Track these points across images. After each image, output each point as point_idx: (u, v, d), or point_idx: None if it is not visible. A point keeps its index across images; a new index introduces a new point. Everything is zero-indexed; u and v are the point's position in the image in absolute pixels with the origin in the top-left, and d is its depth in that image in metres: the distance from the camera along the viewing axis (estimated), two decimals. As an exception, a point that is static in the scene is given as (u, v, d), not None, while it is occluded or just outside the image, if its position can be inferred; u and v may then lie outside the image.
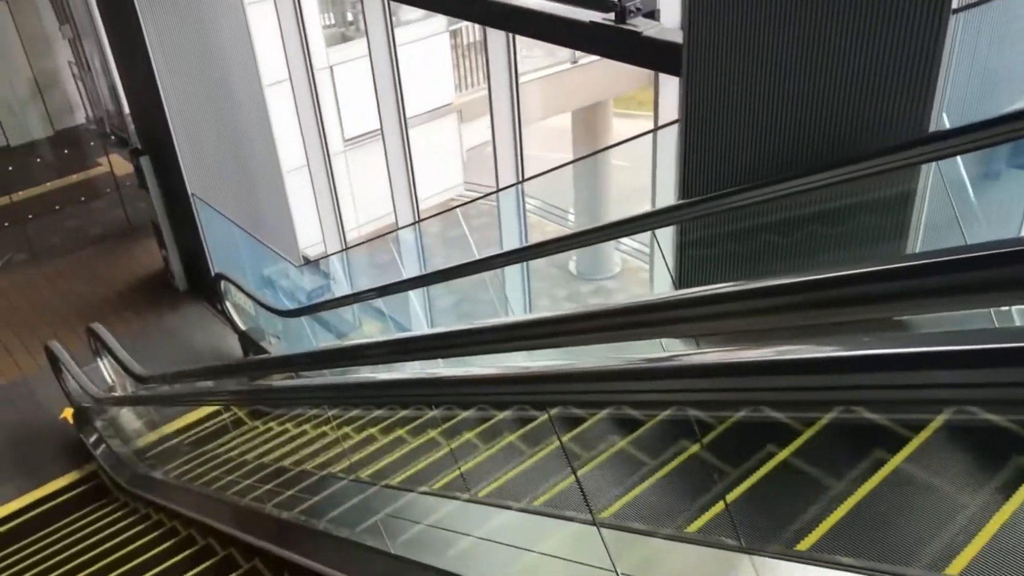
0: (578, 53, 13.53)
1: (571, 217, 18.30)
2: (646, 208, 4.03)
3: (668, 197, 4.31)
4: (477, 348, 2.32)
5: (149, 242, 11.05)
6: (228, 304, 8.78)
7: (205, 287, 9.87)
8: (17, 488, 7.30)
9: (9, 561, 6.17)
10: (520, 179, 7.11)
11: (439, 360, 2.80)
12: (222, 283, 8.61)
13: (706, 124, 3.53)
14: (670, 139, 3.95)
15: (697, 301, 1.49)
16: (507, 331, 2.21)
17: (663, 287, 5.25)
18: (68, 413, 8.18)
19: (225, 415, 7.49)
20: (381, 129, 8.14)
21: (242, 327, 8.70)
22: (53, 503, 7.07)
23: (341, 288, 9.57)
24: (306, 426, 6.39)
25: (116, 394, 7.23)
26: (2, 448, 7.86)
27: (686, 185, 3.78)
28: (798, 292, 1.27)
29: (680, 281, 4.01)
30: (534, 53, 18.04)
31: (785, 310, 1.31)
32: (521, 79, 8.19)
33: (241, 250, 9.05)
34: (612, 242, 14.99)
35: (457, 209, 8.54)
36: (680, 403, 1.93)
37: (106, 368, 7.98)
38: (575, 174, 15.26)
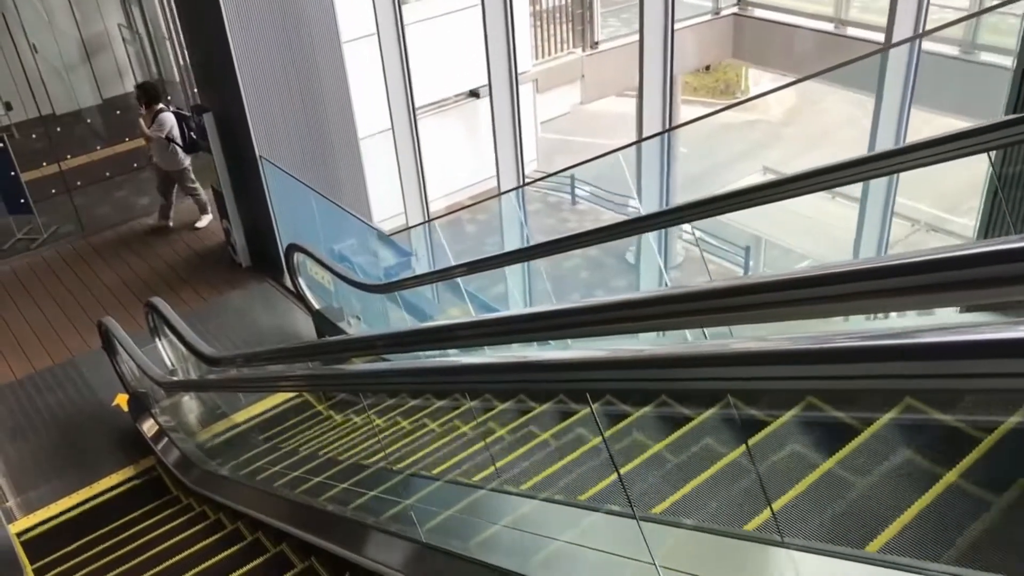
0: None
1: (633, 204, 17.25)
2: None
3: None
4: (607, 327, 1.90)
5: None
6: (301, 280, 7.79)
7: (270, 262, 8.89)
8: (67, 484, 6.35)
9: (62, 568, 5.21)
10: (668, 127, 6.03)
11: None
12: (295, 256, 7.62)
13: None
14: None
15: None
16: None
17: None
18: (121, 400, 7.23)
19: (308, 409, 6.50)
20: (490, 88, 7.11)
21: (317, 306, 7.70)
22: (108, 502, 6.11)
23: (422, 265, 8.56)
24: (394, 417, 5.42)
25: (181, 378, 6.24)
26: (50, 438, 6.92)
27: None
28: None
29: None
30: (608, 22, 16.95)
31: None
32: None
33: (314, 220, 8.05)
34: (674, 231, 14.10)
35: (577, 167, 7.43)
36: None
37: (165, 349, 7.01)
38: (642, 158, 14.26)
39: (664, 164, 6.17)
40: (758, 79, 19.60)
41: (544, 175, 6.80)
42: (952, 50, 9.43)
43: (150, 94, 9.32)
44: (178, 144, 9.13)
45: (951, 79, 8.83)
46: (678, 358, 1.42)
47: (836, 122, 14.95)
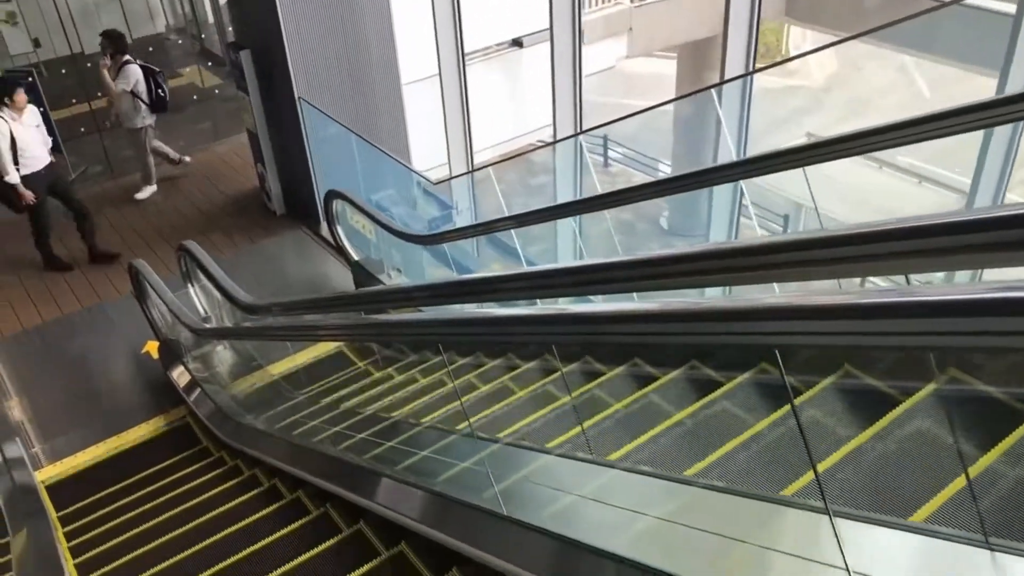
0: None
1: (664, 168, 16.76)
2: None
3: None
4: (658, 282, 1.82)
5: (239, 159, 9.76)
6: (340, 230, 7.43)
7: (306, 210, 8.54)
8: (94, 432, 6.09)
9: (91, 517, 4.95)
10: (754, 69, 5.57)
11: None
12: (335, 203, 7.26)
13: None
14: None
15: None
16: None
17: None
18: (152, 347, 6.95)
19: (347, 364, 6.18)
20: (551, 33, 6.64)
21: (356, 257, 7.36)
22: (137, 452, 5.85)
23: (464, 219, 8.19)
24: (440, 377, 5.09)
25: (216, 326, 5.93)
26: (77, 384, 6.66)
27: None
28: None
29: None
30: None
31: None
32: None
33: (354, 167, 7.68)
34: (706, 197, 13.69)
35: (621, 121, 6.98)
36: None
37: (198, 295, 6.70)
38: (674, 120, 13.75)
39: (745, 108, 5.72)
40: (799, 44, 18.92)
41: (601, 124, 6.38)
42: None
43: (117, 44, 8.61)
44: (143, 101, 8.53)
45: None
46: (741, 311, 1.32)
47: (879, 88, 14.37)
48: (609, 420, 3.59)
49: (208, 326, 5.79)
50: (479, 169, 7.93)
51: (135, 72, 8.51)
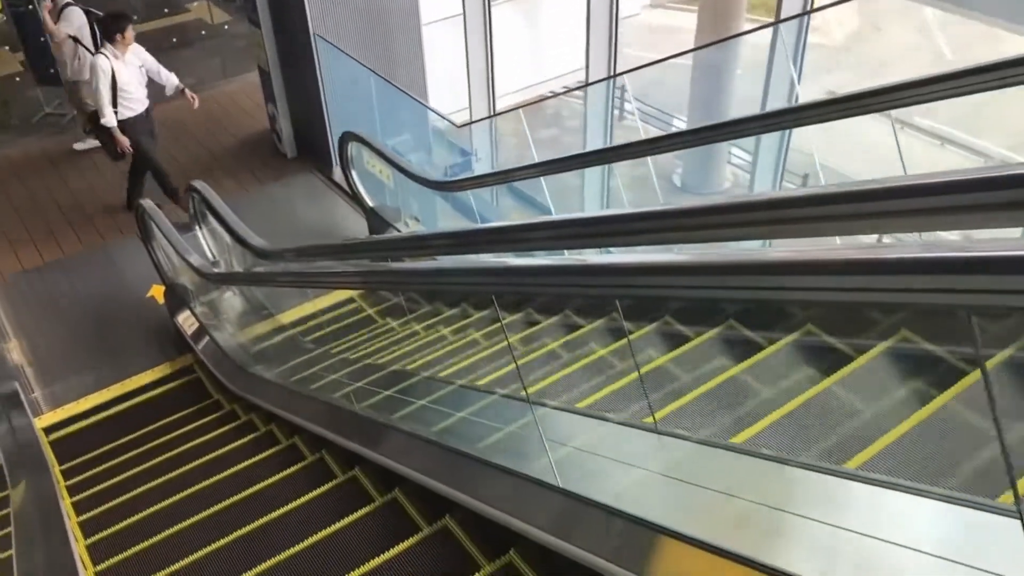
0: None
1: (677, 124, 16.33)
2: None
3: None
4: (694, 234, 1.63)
5: (249, 99, 9.37)
6: (354, 174, 7.09)
7: (318, 154, 8.19)
8: (97, 379, 5.84)
9: (95, 470, 4.70)
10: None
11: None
12: (350, 146, 6.91)
13: None
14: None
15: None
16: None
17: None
18: (157, 292, 6.66)
19: (360, 313, 5.90)
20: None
21: (371, 204, 7.03)
22: (142, 401, 5.59)
23: (483, 167, 7.85)
24: (462, 328, 4.96)
25: (227, 270, 5.62)
26: (80, 328, 6.38)
27: None
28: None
29: None
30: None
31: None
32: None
33: (370, 110, 7.31)
34: (724, 154, 13.33)
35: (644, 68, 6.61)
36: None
37: (206, 238, 6.40)
38: (691, 76, 13.29)
39: (800, 46, 5.35)
40: (819, -1, 18.37)
41: (637, 67, 5.97)
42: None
43: None
44: (86, 48, 7.56)
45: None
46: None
47: (899, 49, 13.92)
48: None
49: (218, 271, 5.49)
50: (505, 112, 7.55)
51: (77, 16, 7.61)
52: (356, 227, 7.38)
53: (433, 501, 3.05)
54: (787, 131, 6.69)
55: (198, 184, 5.96)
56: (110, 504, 4.10)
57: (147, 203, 6.00)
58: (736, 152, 13.29)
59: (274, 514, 3.44)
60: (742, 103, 12.58)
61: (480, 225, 3.06)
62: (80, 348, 6.17)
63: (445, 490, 2.89)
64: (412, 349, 4.68)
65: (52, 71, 8.58)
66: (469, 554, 2.83)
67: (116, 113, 6.62)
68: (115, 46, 6.51)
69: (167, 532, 3.58)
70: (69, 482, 4.57)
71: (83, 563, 3.65)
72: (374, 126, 7.34)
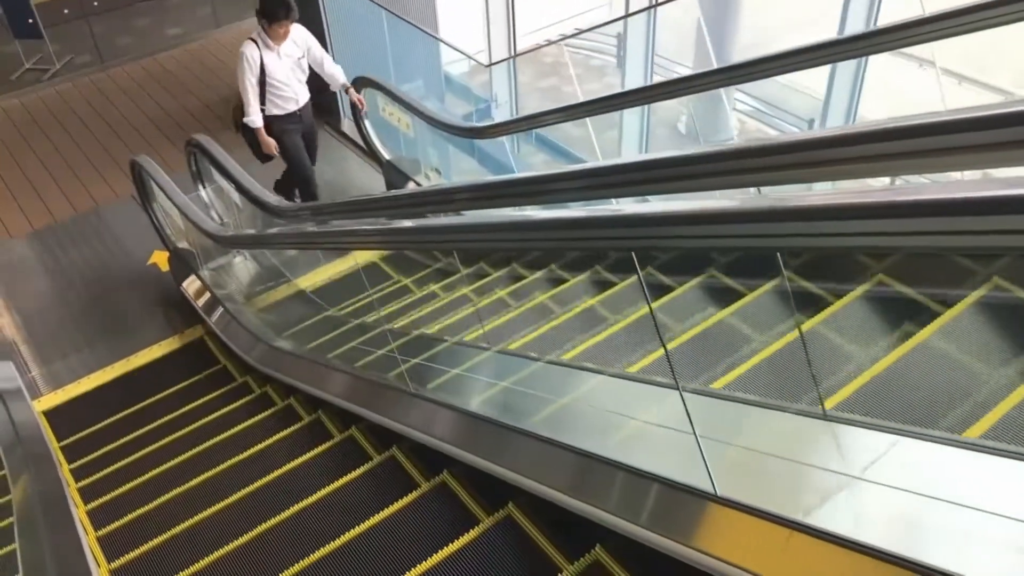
0: None
1: (682, 70, 15.69)
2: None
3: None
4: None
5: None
6: (368, 124, 6.51)
7: (323, 104, 7.57)
8: (99, 356, 5.32)
9: (107, 470, 4.22)
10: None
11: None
12: (363, 93, 6.31)
13: None
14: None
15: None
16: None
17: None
18: (159, 258, 6.12)
19: (387, 278, 5.37)
20: None
21: (387, 156, 6.46)
22: (150, 379, 5.08)
23: (503, 113, 7.27)
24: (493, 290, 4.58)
25: (242, 232, 5.07)
26: (77, 300, 5.84)
27: None
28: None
29: None
30: None
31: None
32: None
33: (382, 54, 6.69)
34: (730, 101, 12.81)
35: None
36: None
37: (210, 198, 5.83)
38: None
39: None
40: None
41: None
42: None
43: None
44: None
45: None
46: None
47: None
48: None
49: (231, 233, 4.94)
50: (533, 51, 6.94)
51: None
52: (371, 181, 6.82)
53: (487, 484, 2.69)
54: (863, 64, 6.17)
55: (199, 137, 5.39)
56: (118, 491, 3.65)
57: (143, 159, 5.42)
58: (740, 98, 12.75)
59: (308, 500, 3.00)
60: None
61: (551, 170, 2.55)
62: (78, 322, 5.64)
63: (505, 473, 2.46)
64: (458, 317, 4.17)
65: (31, 22, 7.92)
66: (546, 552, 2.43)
67: (263, 111, 5.43)
68: (271, 28, 5.19)
69: (189, 522, 3.14)
70: (80, 483, 4.08)
71: (94, 557, 3.24)
72: (386, 71, 6.73)
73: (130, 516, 3.51)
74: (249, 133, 5.54)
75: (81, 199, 6.82)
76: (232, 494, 3.35)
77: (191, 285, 5.45)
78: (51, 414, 4.90)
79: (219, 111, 7.79)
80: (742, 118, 13.32)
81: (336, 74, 5.66)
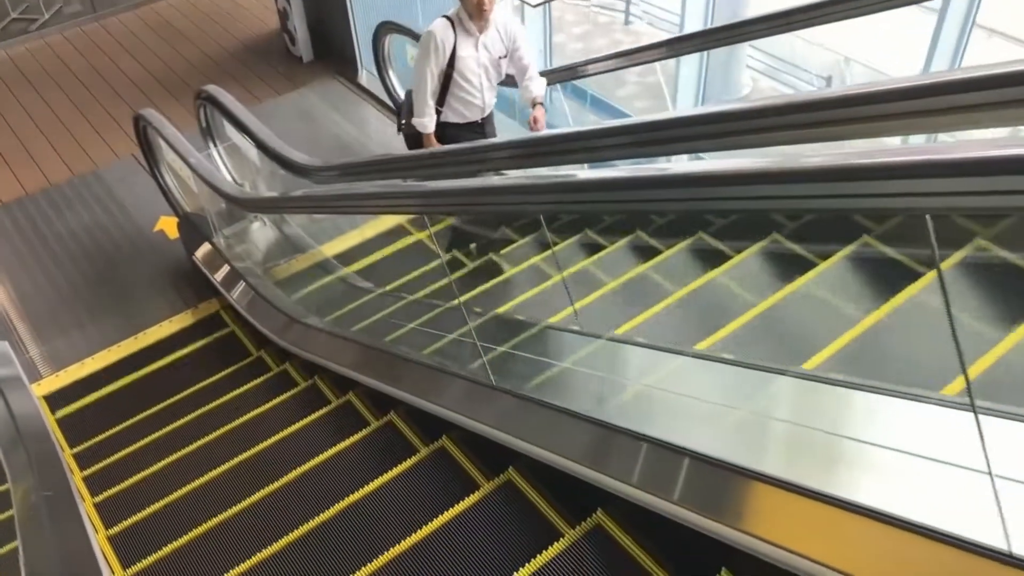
0: None
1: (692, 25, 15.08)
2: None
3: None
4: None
5: (250, -4, 8.08)
6: (392, 75, 5.92)
7: (339, 56, 6.98)
8: (104, 332, 4.79)
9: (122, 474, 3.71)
10: None
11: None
12: (387, 40, 5.72)
13: None
14: None
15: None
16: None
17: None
18: (167, 224, 5.56)
19: (424, 251, 4.82)
20: None
21: (414, 110, 5.87)
22: (163, 360, 4.55)
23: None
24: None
25: (266, 194, 4.49)
26: (78, 271, 5.29)
27: None
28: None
29: None
30: None
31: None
32: None
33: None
34: (743, 58, 12.30)
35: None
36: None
37: (223, 158, 5.26)
38: None
39: None
40: None
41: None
42: None
43: None
44: None
45: None
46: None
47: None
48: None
49: (257, 196, 4.38)
50: (547, 1, 6.32)
51: None
52: (393, 138, 6.23)
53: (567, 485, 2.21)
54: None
55: (211, 89, 4.82)
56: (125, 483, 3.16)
57: (149, 113, 4.84)
58: (752, 54, 12.17)
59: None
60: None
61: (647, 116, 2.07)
62: (80, 295, 5.09)
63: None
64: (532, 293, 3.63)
65: (15, -33, 7.26)
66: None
67: (438, 113, 4.18)
68: (466, 9, 3.90)
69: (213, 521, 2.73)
70: (80, 460, 3.57)
71: (106, 560, 2.79)
72: (412, 15, 6.12)
73: (145, 512, 3.10)
74: (413, 139, 4.36)
75: (78, 160, 6.23)
76: (261, 488, 2.89)
77: (204, 254, 4.89)
78: (52, 399, 4.37)
79: (226, 65, 7.17)
80: (754, 76, 12.72)
81: (536, 88, 4.18)
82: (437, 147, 4.15)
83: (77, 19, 7.88)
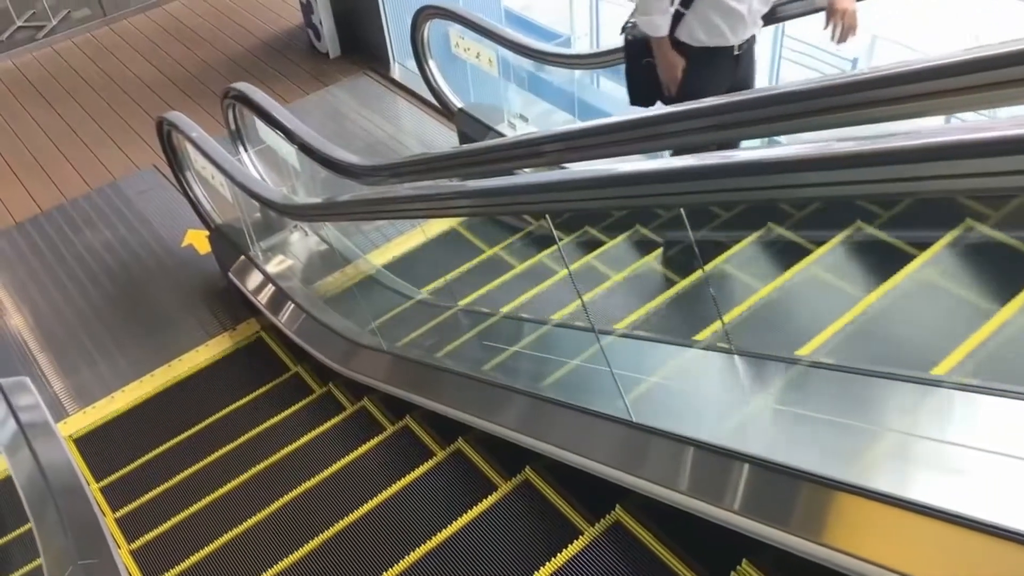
0: None
1: None
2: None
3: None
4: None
5: (269, -9, 7.60)
6: (433, 66, 5.42)
7: (369, 49, 6.50)
8: (134, 362, 4.32)
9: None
10: None
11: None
12: (427, 27, 5.22)
13: None
14: None
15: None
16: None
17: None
18: (195, 238, 5.08)
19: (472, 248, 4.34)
20: None
21: (458, 104, 5.38)
22: (201, 391, 4.07)
23: (584, 45, 6.18)
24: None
25: (320, 200, 3.99)
26: (101, 294, 4.82)
27: None
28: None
29: None
30: None
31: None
32: None
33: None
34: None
35: None
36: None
37: (253, 161, 4.76)
38: None
39: None
40: None
41: None
42: None
43: None
44: None
45: None
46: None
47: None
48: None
49: (306, 201, 3.88)
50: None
51: None
52: (438, 136, 5.75)
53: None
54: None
55: (241, 86, 4.32)
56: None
57: (176, 116, 4.35)
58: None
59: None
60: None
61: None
62: (104, 320, 4.62)
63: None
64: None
65: (19, -31, 6.80)
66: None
67: (682, 20, 2.93)
68: None
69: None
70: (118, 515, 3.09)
71: None
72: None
73: (166, 525, 2.96)
74: (634, 51, 3.10)
75: (95, 172, 5.76)
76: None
77: (242, 270, 4.41)
78: (82, 442, 3.89)
79: (246, 64, 6.69)
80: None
81: None
82: (535, 132, 3.45)
83: (86, 24, 7.41)
